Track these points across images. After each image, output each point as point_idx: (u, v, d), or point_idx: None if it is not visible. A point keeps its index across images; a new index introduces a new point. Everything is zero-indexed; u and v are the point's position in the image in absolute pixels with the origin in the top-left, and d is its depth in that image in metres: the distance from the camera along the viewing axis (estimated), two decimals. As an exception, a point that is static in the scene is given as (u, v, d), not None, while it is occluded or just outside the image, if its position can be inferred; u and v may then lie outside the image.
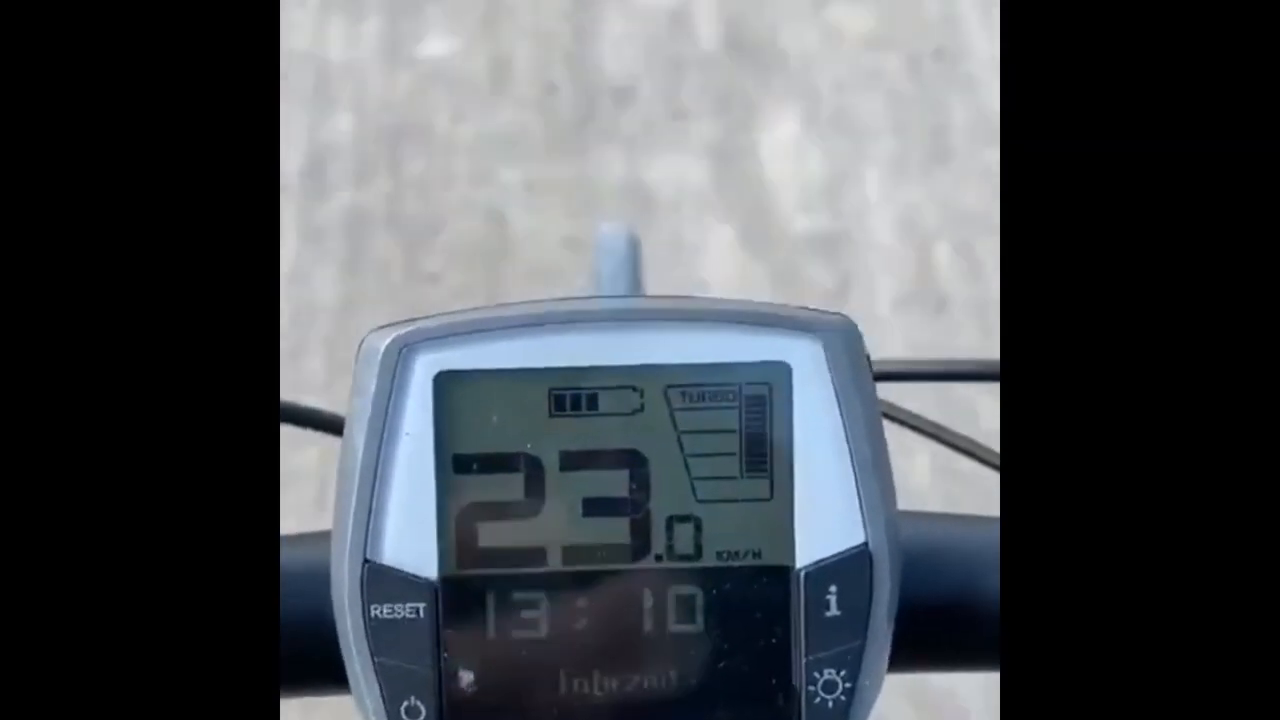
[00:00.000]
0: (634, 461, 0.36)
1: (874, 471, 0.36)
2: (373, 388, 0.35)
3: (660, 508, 0.36)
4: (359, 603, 0.35)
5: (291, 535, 0.40)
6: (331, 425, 0.52)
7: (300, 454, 1.22)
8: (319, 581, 0.37)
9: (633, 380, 0.35)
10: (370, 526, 0.35)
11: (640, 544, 0.36)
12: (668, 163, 1.72)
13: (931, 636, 0.40)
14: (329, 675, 0.37)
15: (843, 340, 0.36)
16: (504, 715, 0.36)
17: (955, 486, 1.21)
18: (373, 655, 0.35)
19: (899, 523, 0.36)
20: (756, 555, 0.36)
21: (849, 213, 1.68)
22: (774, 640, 0.36)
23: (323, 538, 0.40)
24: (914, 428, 0.50)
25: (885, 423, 0.38)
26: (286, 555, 0.38)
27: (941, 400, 0.91)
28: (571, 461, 0.36)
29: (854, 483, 0.36)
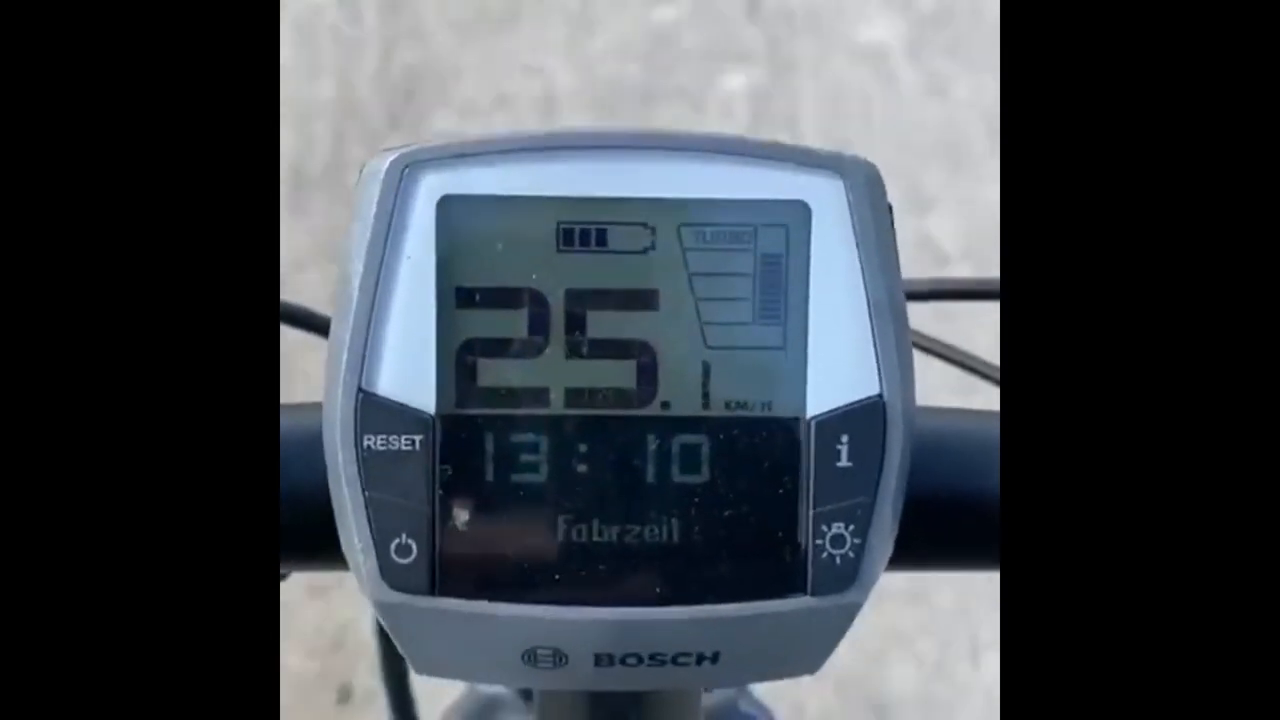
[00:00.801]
0: (643, 302, 0.34)
1: (891, 321, 0.34)
2: (373, 210, 0.33)
3: (669, 352, 0.34)
4: (352, 433, 0.34)
5: (290, 405, 0.38)
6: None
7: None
8: (319, 451, 0.35)
9: (645, 215, 0.34)
10: (366, 355, 0.34)
11: (646, 389, 0.34)
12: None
13: (936, 531, 0.39)
14: (327, 548, 0.35)
15: (865, 181, 0.34)
16: (498, 559, 0.34)
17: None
18: (364, 488, 0.34)
19: (913, 376, 0.35)
20: (767, 406, 0.35)
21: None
22: (782, 492, 0.34)
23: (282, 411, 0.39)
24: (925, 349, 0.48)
25: None
26: (285, 422, 0.37)
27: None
28: (578, 299, 0.34)
29: (871, 332, 0.34)
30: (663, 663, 0.35)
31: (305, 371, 0.84)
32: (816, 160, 0.34)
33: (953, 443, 0.40)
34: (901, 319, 0.35)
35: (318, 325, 0.53)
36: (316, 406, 0.35)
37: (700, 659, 0.35)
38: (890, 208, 0.35)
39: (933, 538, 0.38)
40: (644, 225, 0.34)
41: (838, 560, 0.34)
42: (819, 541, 0.34)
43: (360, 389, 0.34)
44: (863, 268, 0.34)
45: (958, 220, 1.66)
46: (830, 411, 0.34)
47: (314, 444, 0.35)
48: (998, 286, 0.39)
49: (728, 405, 0.35)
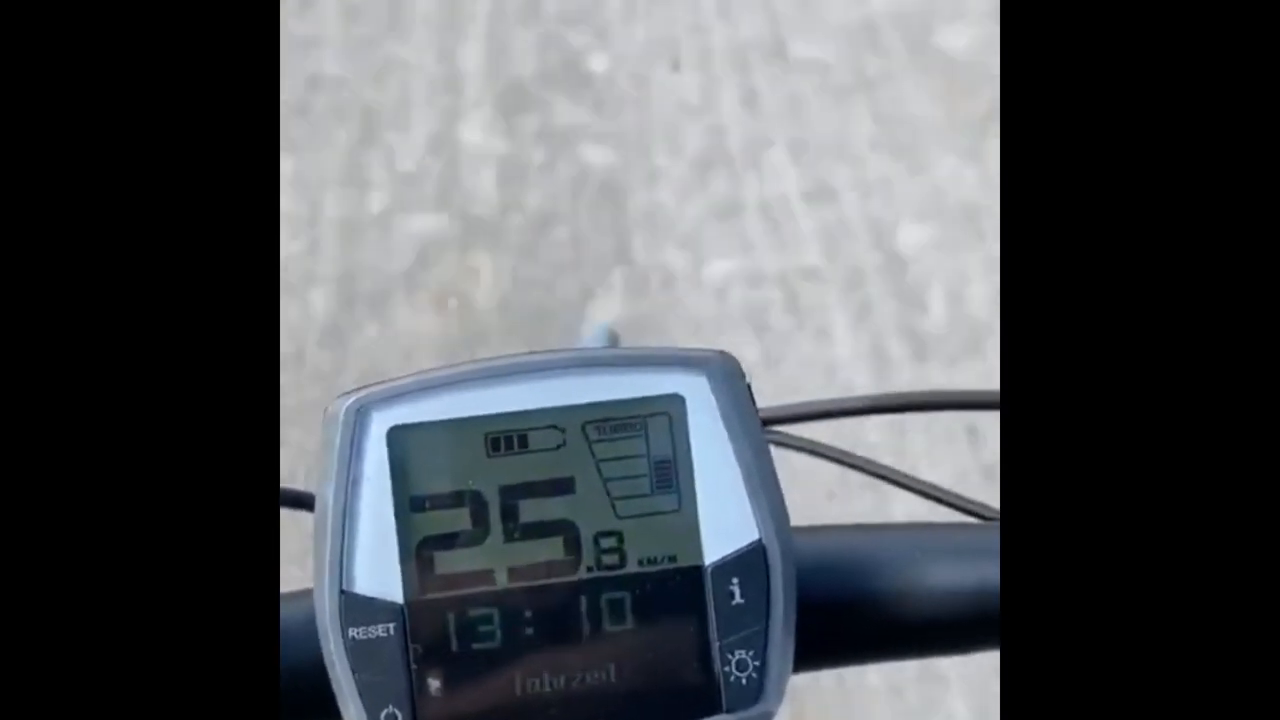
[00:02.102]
0: (562, 489, 0.43)
1: (759, 478, 0.43)
2: (336, 444, 0.42)
3: (588, 526, 0.43)
4: (339, 627, 0.41)
5: (288, 593, 0.46)
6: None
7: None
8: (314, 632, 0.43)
9: (555, 420, 0.43)
10: (344, 562, 0.42)
11: (573, 558, 0.43)
12: None
13: (831, 635, 0.47)
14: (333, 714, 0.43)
15: (723, 372, 0.43)
16: (469, 716, 0.42)
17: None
18: (353, 672, 0.41)
19: (787, 519, 0.43)
20: (672, 559, 0.43)
21: None
22: (692, 630, 0.42)
23: (286, 599, 0.47)
24: (814, 453, 0.57)
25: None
26: (291, 611, 0.45)
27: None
28: (509, 493, 0.42)
29: (744, 488, 0.43)
30: None
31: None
32: (685, 361, 0.43)
33: (841, 556, 0.47)
34: (769, 475, 0.43)
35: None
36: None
37: None
38: (749, 387, 0.43)
39: (832, 642, 0.46)
40: (555, 428, 0.43)
41: (744, 681, 0.42)
42: (726, 668, 0.42)
43: (342, 590, 0.42)
44: (730, 440, 0.43)
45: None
46: (722, 558, 0.42)
47: (313, 631, 0.42)
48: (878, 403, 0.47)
49: (640, 563, 0.43)
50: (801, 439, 0.57)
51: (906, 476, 0.57)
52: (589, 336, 1.11)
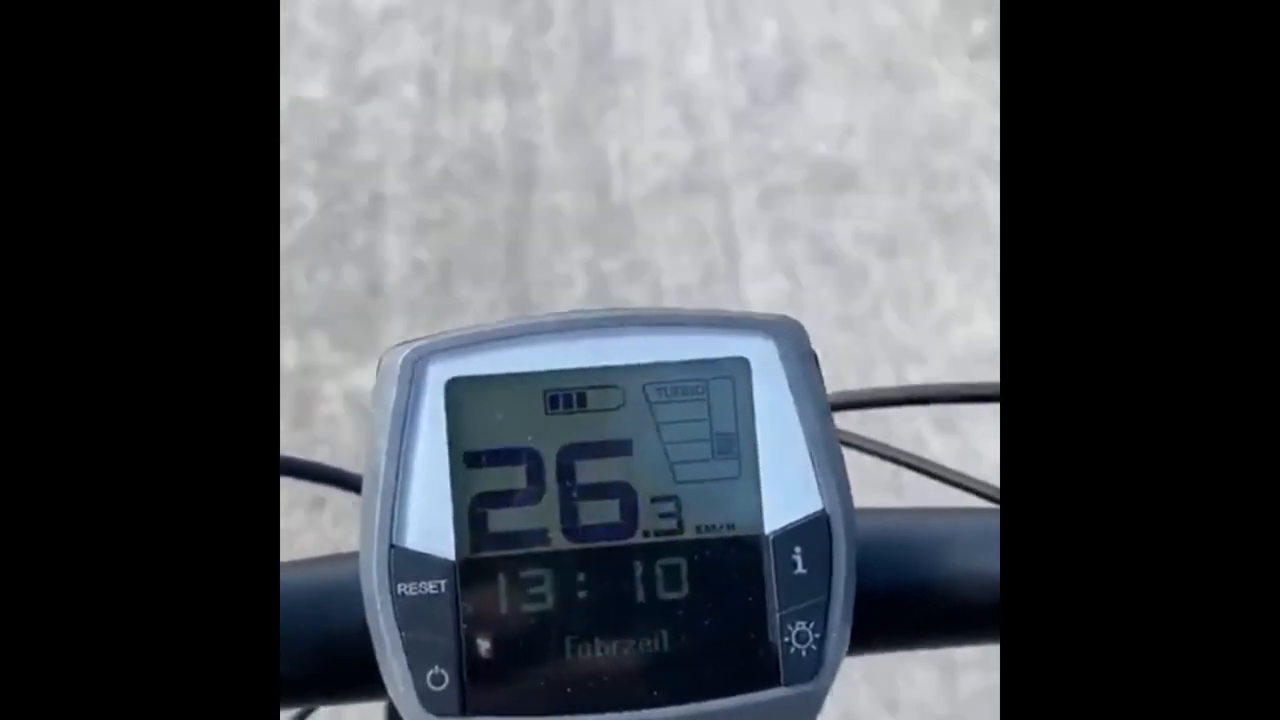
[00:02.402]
0: (620, 450, 0.41)
1: (824, 447, 0.42)
2: (393, 395, 0.41)
3: (645, 489, 0.41)
4: (387, 583, 0.40)
5: (328, 556, 0.45)
6: (330, 477, 0.58)
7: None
8: (319, 601, 0.42)
9: (615, 380, 0.41)
10: (395, 516, 0.40)
11: (629, 522, 0.41)
12: None
13: (887, 619, 0.45)
14: (366, 682, 0.42)
15: (791, 338, 0.42)
16: (518, 679, 0.41)
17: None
18: (400, 630, 0.40)
19: (850, 491, 0.42)
20: (730, 526, 0.41)
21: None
22: (750, 600, 0.41)
23: (320, 563, 0.46)
24: (863, 449, 0.56)
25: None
26: (326, 573, 0.44)
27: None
28: (566, 453, 0.41)
29: (809, 458, 0.41)
30: None
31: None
32: (751, 324, 0.42)
33: (898, 539, 0.46)
34: (834, 446, 0.42)
35: (319, 476, 0.59)
36: (352, 558, 0.41)
37: None
38: (815, 356, 0.42)
39: (885, 625, 0.45)
40: (615, 387, 0.41)
41: (803, 653, 0.41)
42: (786, 639, 0.41)
43: (391, 544, 0.40)
44: (796, 406, 0.42)
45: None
46: (784, 527, 0.41)
47: (352, 593, 0.41)
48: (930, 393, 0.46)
49: (698, 529, 0.41)
50: (860, 437, 0.56)
51: (953, 472, 0.56)
52: None
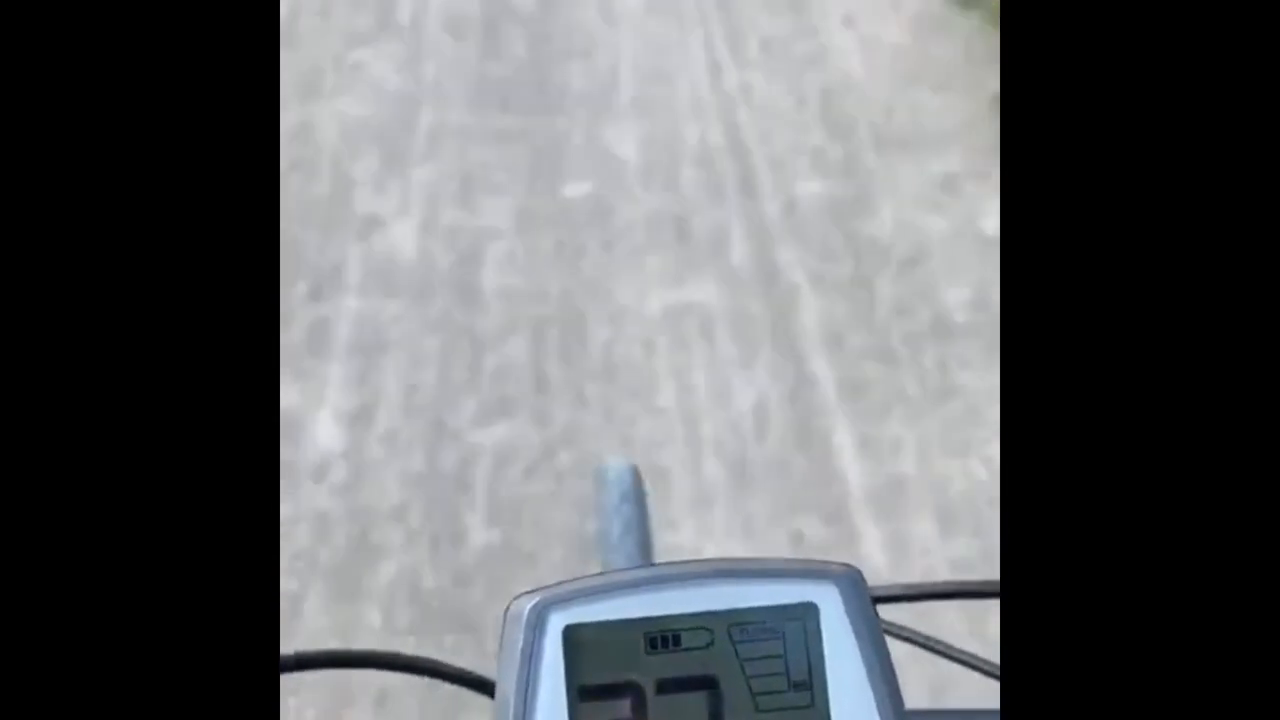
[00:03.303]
0: (710, 683, 0.49)
1: (883, 677, 0.49)
2: (519, 640, 0.48)
3: (732, 718, 0.49)
4: None
5: None
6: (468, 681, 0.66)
7: None
8: None
9: (704, 623, 0.49)
10: None
11: None
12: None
13: None
14: None
15: (851, 583, 0.50)
16: None
17: None
18: None
19: (905, 712, 0.49)
20: None
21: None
22: None
23: None
24: (906, 639, 0.64)
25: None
26: None
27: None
28: (664, 686, 0.49)
29: (870, 689, 0.49)
30: None
31: None
32: (818, 573, 0.50)
33: None
34: (891, 674, 0.49)
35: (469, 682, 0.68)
36: None
37: None
38: (873, 601, 0.50)
39: None
40: (705, 629, 0.49)
41: None
42: None
43: None
44: (858, 643, 0.49)
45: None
46: None
47: None
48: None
49: None
50: (902, 627, 0.63)
51: (985, 661, 0.64)
52: (611, 477, 1.17)
